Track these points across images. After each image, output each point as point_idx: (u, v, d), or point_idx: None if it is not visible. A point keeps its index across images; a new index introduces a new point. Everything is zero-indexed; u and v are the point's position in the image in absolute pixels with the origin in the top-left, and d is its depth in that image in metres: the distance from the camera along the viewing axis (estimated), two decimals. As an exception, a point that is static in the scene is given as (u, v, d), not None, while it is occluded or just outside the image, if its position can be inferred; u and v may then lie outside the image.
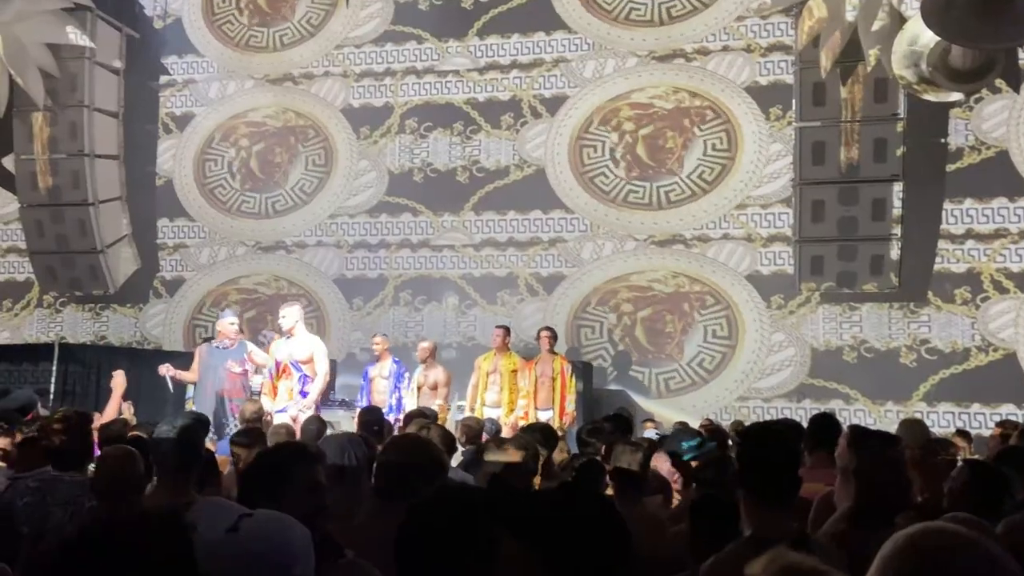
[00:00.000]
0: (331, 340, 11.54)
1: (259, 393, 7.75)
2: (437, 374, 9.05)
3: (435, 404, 8.45)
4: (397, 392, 8.85)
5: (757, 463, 2.64)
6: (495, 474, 3.61)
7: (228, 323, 8.17)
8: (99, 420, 6.00)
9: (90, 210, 11.94)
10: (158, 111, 12.73)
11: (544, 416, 8.68)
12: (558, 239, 11.24)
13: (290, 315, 7.73)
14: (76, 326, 12.63)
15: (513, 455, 3.73)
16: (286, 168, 12.28)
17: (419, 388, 8.91)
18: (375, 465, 3.02)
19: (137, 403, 8.81)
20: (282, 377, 7.64)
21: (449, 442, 4.78)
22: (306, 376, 7.59)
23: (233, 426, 7.37)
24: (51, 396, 9.39)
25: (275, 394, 7.57)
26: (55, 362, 9.73)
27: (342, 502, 2.82)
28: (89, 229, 11.97)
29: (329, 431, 5.65)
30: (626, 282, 10.95)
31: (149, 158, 12.72)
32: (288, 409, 7.30)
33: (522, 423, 8.17)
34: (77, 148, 11.83)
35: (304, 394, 7.48)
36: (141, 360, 10.51)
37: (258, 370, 8.03)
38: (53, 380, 9.69)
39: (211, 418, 7.16)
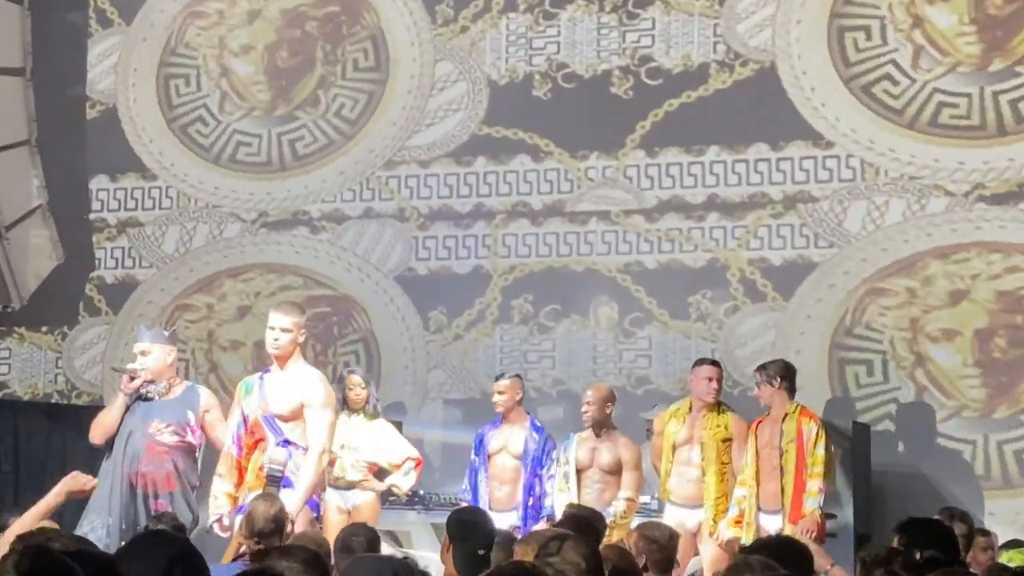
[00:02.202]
0: (388, 383, 11.47)
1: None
2: (620, 448, 8.91)
3: (620, 501, 8.62)
4: (538, 483, 8.86)
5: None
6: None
7: (141, 349, 7.93)
8: (13, 526, 6.23)
9: (-24, 164, 12.23)
10: (88, -11, 12.78)
11: (772, 524, 8.43)
12: (801, 196, 10.87)
13: (291, 330, 7.54)
14: (-42, 365, 12.86)
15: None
16: (311, 81, 12.15)
17: (581, 471, 8.90)
18: None
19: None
20: (253, 446, 7.49)
21: (628, 570, 4.99)
22: (289, 444, 7.41)
23: None
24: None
25: (241, 477, 7.48)
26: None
27: None
28: (-25, 197, 12.24)
29: (390, 550, 6.33)
30: (932, 273, 10.51)
31: (75, 72, 12.63)
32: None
33: (732, 534, 8.33)
34: (-48, 57, 12.17)
35: (284, 482, 7.32)
36: (66, 422, 10.95)
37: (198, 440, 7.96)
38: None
39: (108, 524, 7.44)
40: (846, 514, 9.06)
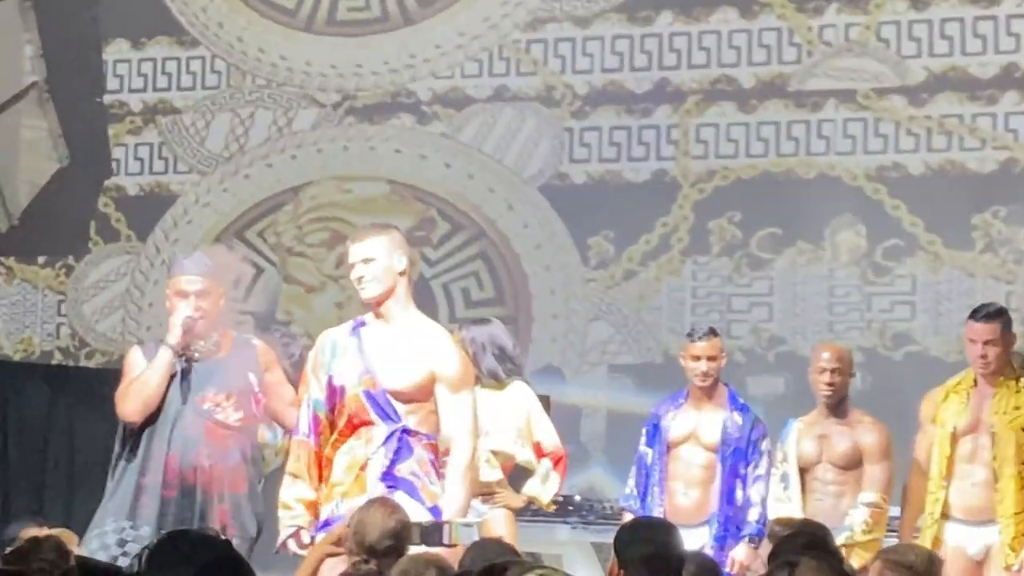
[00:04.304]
0: (529, 340, 11.69)
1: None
2: (861, 431, 8.88)
3: (861, 509, 8.61)
4: (741, 487, 8.93)
5: None
6: None
7: (196, 289, 7.75)
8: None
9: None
10: None
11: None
12: None
13: (375, 257, 7.41)
14: (-75, 310, 12.73)
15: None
16: None
17: (806, 471, 8.93)
18: None
19: (72, 484, 10.11)
20: (345, 431, 7.42)
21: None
22: (407, 432, 7.32)
23: None
24: None
25: (320, 473, 7.46)
26: None
27: None
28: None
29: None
30: None
31: None
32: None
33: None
34: None
35: (392, 483, 7.29)
36: (73, 390, 11.38)
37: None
38: None
39: (124, 530, 7.53)
40: None
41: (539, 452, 8.63)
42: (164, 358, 7.54)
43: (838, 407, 8.77)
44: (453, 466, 7.29)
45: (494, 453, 8.53)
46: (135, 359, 7.74)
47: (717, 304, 11.31)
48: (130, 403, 7.60)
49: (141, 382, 7.60)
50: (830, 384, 8.71)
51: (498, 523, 8.28)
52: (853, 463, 8.69)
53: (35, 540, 6.13)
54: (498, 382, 8.64)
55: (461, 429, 7.33)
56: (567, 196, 11.78)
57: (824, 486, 8.72)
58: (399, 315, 7.35)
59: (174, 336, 7.52)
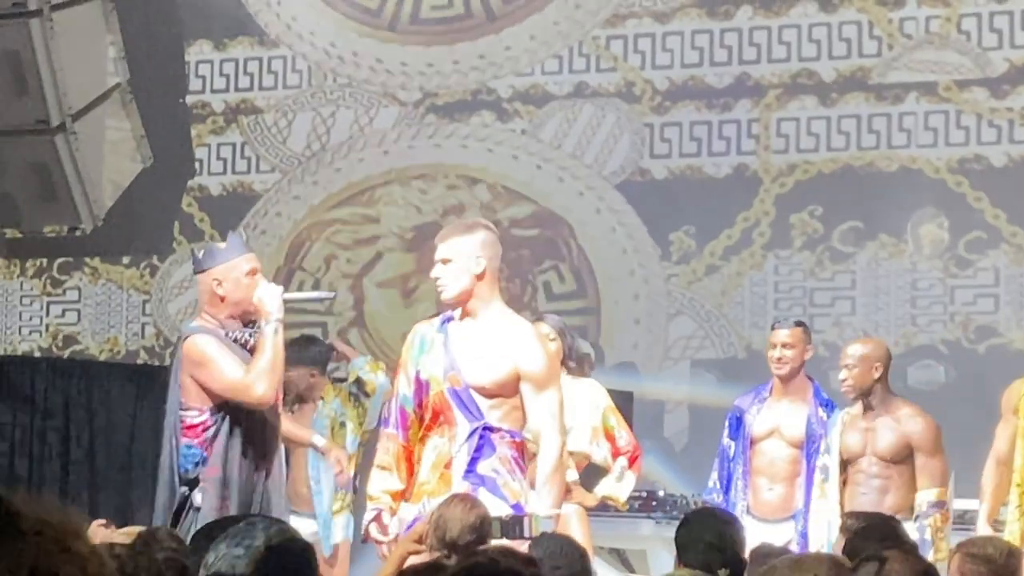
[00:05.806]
0: (611, 336, 11.83)
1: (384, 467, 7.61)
2: (906, 423, 8.79)
3: (929, 509, 8.61)
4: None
5: None
6: None
7: (254, 259, 7.66)
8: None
9: (32, 27, 12.37)
10: None
11: None
12: None
13: (452, 259, 7.37)
14: (8, 313, 13.00)
15: None
16: None
17: (850, 462, 8.86)
18: None
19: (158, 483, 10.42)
20: (431, 426, 7.41)
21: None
22: (489, 429, 7.27)
23: None
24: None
25: (410, 467, 7.43)
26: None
27: None
28: (31, 73, 12.40)
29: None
30: None
31: None
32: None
33: None
34: None
35: (476, 480, 7.24)
36: (158, 391, 11.37)
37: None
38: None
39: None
40: None
41: (615, 451, 8.60)
42: (281, 336, 7.32)
43: (868, 399, 8.69)
44: (543, 463, 7.26)
45: (570, 453, 8.59)
46: (217, 346, 7.42)
47: (799, 298, 11.31)
48: (275, 383, 7.32)
49: (272, 361, 7.27)
50: (843, 379, 8.69)
51: (571, 520, 8.21)
52: (899, 457, 8.62)
53: (149, 533, 6.26)
54: (586, 367, 8.68)
55: (549, 426, 7.28)
56: (648, 192, 11.72)
57: (868, 479, 8.65)
58: (483, 312, 7.35)
59: (281, 310, 7.27)
